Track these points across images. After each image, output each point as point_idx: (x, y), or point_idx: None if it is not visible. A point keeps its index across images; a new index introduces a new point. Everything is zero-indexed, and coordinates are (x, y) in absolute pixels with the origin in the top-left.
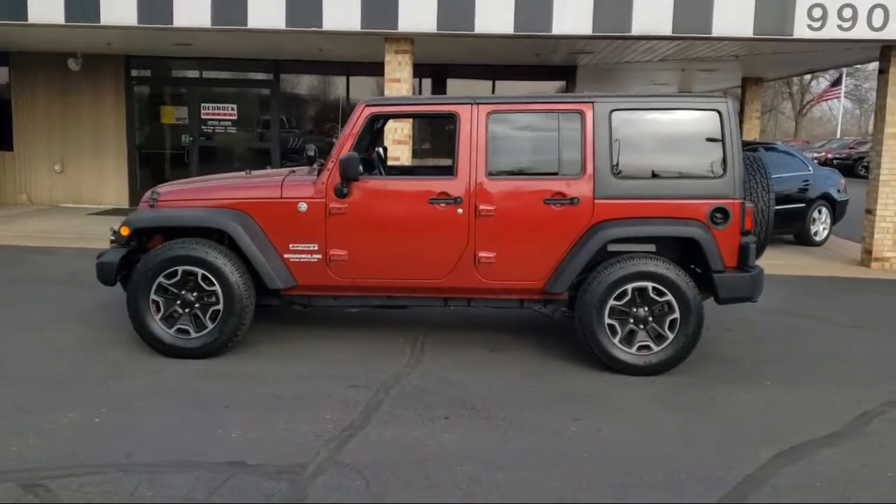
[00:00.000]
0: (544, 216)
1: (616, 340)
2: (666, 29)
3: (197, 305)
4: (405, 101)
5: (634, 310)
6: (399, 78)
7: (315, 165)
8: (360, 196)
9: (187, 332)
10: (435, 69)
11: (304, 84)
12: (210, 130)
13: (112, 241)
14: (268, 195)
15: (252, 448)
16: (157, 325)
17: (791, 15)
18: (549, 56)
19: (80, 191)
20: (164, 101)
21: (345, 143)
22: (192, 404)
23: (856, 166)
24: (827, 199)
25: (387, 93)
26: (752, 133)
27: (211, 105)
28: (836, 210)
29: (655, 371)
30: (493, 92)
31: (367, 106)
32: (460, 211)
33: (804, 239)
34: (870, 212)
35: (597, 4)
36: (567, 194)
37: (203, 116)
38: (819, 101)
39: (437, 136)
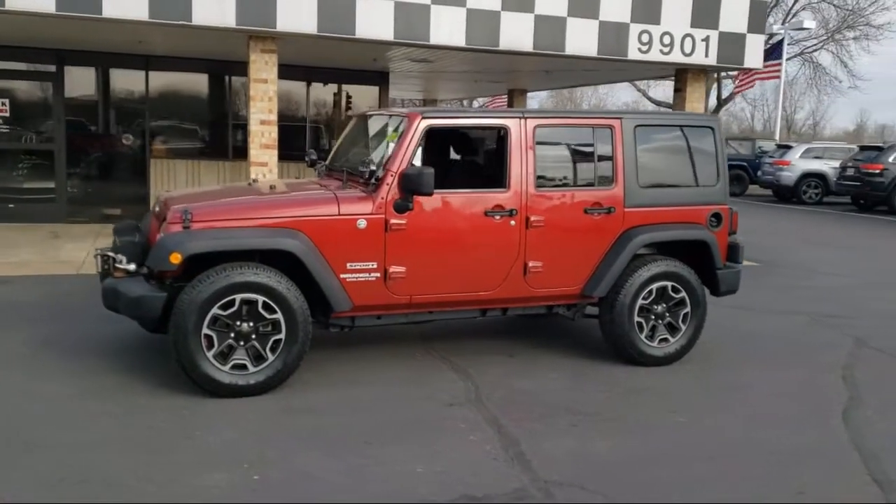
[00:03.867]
0: (585, 225)
1: (643, 336)
2: (527, 46)
3: (254, 336)
4: (459, 113)
5: (656, 307)
6: (266, 78)
7: (318, 171)
8: (420, 210)
9: (244, 367)
10: (227, 66)
11: (95, 78)
12: None
13: (117, 269)
14: (325, 212)
15: (455, 480)
16: (210, 363)
17: (626, 40)
18: (379, 62)
19: None
20: None
21: (404, 157)
22: (325, 445)
23: None
24: None
25: (252, 93)
26: None
27: None
28: None
29: (672, 360)
30: (308, 94)
31: (424, 118)
32: (513, 223)
33: None
34: None
35: (470, 20)
36: (603, 204)
37: None
38: (490, 106)
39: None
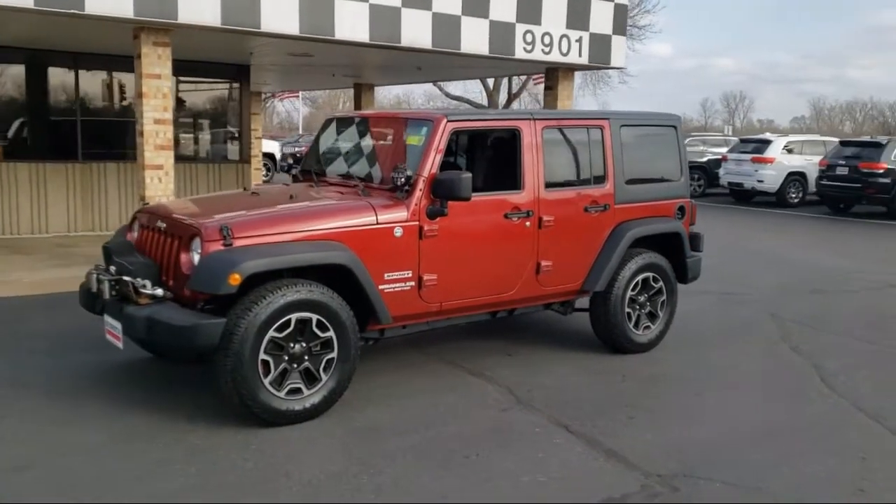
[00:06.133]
0: (585, 223)
1: (631, 325)
2: (427, 43)
3: (306, 357)
4: (479, 116)
5: (639, 297)
6: (160, 74)
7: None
8: (449, 215)
9: (299, 390)
10: (76, 58)
11: None
12: None
13: (142, 294)
14: (364, 222)
15: (580, 486)
16: (266, 390)
17: (512, 39)
18: (255, 56)
19: None
20: None
21: (433, 161)
22: (427, 464)
23: None
24: None
25: (144, 89)
26: None
27: None
28: None
29: (653, 345)
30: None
31: (449, 121)
32: (528, 224)
33: None
34: None
35: (373, 17)
36: (599, 201)
37: None
38: (280, 98)
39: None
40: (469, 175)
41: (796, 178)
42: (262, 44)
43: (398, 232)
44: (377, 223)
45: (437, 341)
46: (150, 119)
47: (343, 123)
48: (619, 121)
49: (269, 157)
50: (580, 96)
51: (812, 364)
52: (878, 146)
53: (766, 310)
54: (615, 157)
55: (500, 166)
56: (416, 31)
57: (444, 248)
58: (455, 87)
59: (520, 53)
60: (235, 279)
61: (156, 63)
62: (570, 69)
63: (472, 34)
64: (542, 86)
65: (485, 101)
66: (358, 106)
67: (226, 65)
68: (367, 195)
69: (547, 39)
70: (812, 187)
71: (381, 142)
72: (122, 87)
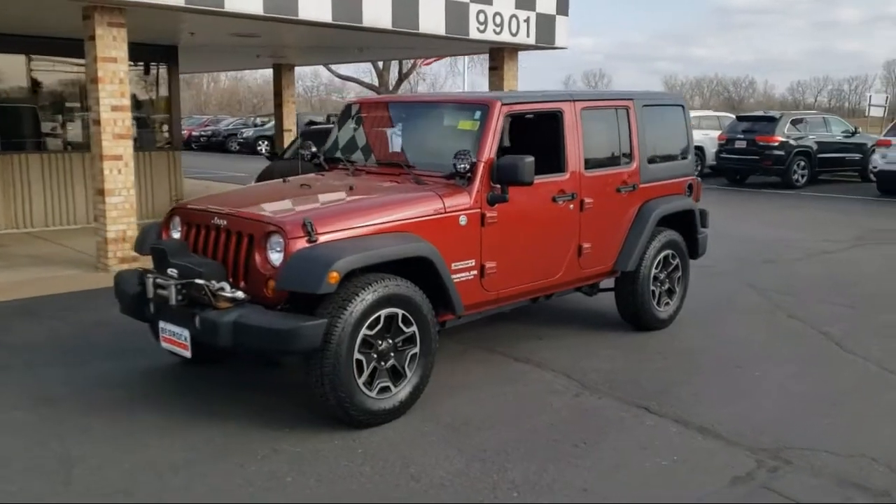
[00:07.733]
0: (618, 202)
1: (655, 303)
2: (387, 23)
3: (392, 354)
4: (527, 99)
5: (660, 274)
6: (116, 57)
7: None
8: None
9: (388, 388)
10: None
11: None
12: None
13: (222, 298)
14: (432, 211)
15: (702, 467)
16: (360, 390)
17: (466, 19)
18: (186, 36)
19: None
20: None
21: (491, 146)
22: (543, 457)
23: (227, 142)
24: None
25: (100, 74)
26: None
27: None
28: None
29: (671, 321)
30: None
31: (504, 104)
32: (572, 206)
33: None
34: None
35: None
36: (628, 181)
37: None
38: None
39: None
40: (532, 159)
41: (696, 151)
42: (207, 23)
43: (463, 220)
44: (445, 212)
45: (462, 328)
46: (108, 106)
47: (372, 109)
48: (640, 101)
49: None
50: (454, 74)
51: (819, 331)
52: (772, 120)
53: (741, 281)
54: (639, 136)
55: (544, 149)
56: (376, 10)
57: (503, 234)
58: (346, 68)
59: (473, 34)
60: (335, 277)
61: (111, 45)
62: (516, 49)
63: (430, 14)
64: (428, 67)
65: (375, 81)
66: (278, 86)
67: (154, 46)
68: (423, 184)
69: (498, 19)
70: (709, 160)
71: (426, 127)
72: (53, 72)
